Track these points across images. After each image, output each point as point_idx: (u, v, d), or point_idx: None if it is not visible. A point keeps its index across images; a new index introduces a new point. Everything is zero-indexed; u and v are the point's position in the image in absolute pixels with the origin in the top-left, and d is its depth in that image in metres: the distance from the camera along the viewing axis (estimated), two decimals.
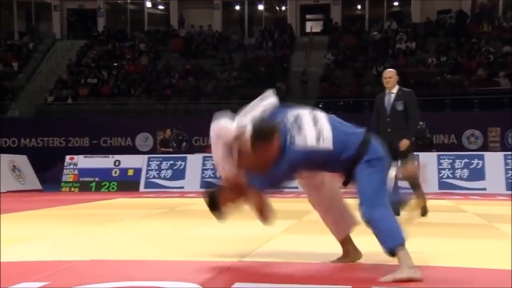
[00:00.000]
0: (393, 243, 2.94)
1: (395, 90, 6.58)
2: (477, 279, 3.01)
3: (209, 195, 3.39)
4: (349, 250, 3.47)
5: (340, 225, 3.45)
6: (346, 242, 3.48)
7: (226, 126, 3.23)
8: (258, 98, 3.39)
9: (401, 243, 2.95)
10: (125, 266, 3.41)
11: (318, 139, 3.03)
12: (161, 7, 26.45)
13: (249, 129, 3.10)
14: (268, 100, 3.34)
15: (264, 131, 3.07)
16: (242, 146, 3.15)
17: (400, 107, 6.44)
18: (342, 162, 3.09)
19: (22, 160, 13.25)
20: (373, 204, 2.99)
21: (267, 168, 3.08)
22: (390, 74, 6.63)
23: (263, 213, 3.32)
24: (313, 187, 3.40)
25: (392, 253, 2.95)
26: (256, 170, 3.14)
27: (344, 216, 3.45)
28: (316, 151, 3.03)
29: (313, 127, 3.06)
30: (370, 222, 3.00)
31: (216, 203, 3.34)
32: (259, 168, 3.12)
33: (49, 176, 14.77)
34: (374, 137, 3.22)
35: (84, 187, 12.80)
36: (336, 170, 3.16)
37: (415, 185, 6.55)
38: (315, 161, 3.08)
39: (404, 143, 6.40)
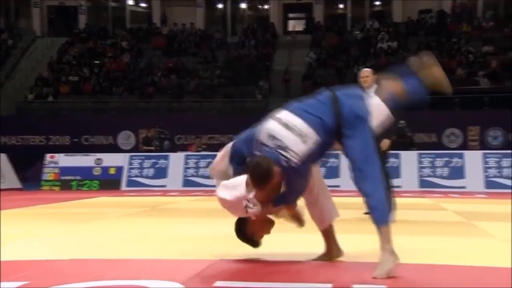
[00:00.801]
0: (380, 221, 3.03)
1: (372, 89, 6.57)
2: (456, 277, 3.05)
3: (238, 231, 3.43)
4: (331, 247, 3.48)
5: (323, 216, 3.46)
6: (328, 235, 3.48)
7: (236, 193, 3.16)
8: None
9: (387, 222, 3.04)
10: (105, 265, 3.39)
11: (304, 141, 3.01)
12: (143, 4, 26.29)
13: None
14: (225, 148, 3.35)
15: (262, 174, 3.01)
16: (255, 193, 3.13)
17: None
18: (330, 136, 3.08)
19: (1, 159, 13.08)
20: (365, 175, 3.02)
21: (281, 190, 3.13)
22: (366, 74, 6.56)
23: (299, 219, 3.38)
24: None
25: (378, 226, 3.04)
26: (274, 197, 3.16)
27: (328, 207, 3.47)
28: (311, 151, 3.04)
29: (291, 135, 3.02)
30: (361, 192, 3.08)
31: (246, 234, 3.39)
32: (275, 195, 3.15)
33: (30, 175, 14.59)
34: (344, 95, 3.16)
35: (65, 186, 12.69)
36: (333, 144, 3.17)
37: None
38: (315, 156, 3.11)
39: (385, 143, 6.41)
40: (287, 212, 3.33)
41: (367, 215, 6.15)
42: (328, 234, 3.49)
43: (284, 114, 3.12)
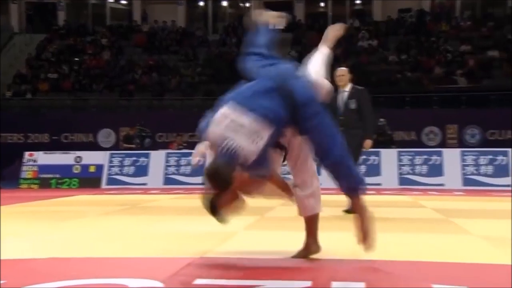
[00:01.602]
0: (357, 185, 3.16)
1: (348, 88, 6.53)
2: (434, 273, 3.08)
3: (207, 200, 3.29)
4: (310, 242, 3.48)
5: (306, 204, 3.42)
6: (311, 226, 3.44)
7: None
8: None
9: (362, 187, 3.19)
10: (84, 264, 3.37)
11: (256, 141, 2.88)
12: (123, 1, 26.09)
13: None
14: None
15: (222, 183, 2.91)
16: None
17: (353, 105, 6.39)
18: (285, 122, 2.98)
19: None
20: (333, 155, 3.07)
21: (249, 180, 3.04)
22: (342, 72, 6.56)
23: (287, 190, 3.29)
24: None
25: (354, 191, 3.16)
26: (246, 183, 3.05)
27: (315, 196, 3.42)
28: (266, 144, 2.93)
29: (243, 137, 2.86)
30: (336, 171, 3.11)
31: (215, 207, 3.17)
32: (246, 183, 3.04)
33: (8, 173, 14.42)
34: (291, 78, 3.08)
35: (44, 184, 12.56)
36: (288, 124, 3.03)
37: None
38: (272, 142, 3.00)
39: (368, 144, 6.42)
40: (272, 182, 3.23)
41: (347, 213, 6.20)
42: (311, 226, 3.46)
43: (232, 111, 2.92)
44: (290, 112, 2.96)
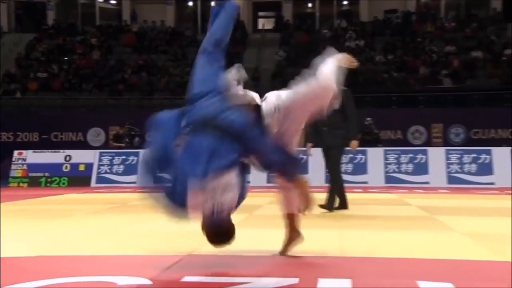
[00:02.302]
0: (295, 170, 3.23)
1: None
2: (419, 269, 3.10)
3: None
4: (292, 231, 3.46)
5: (293, 201, 3.43)
6: (292, 219, 3.46)
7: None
8: None
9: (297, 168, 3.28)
10: (74, 262, 3.35)
11: (230, 190, 2.91)
12: (113, 1, 25.95)
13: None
14: None
15: (224, 239, 3.05)
16: None
17: (336, 105, 6.27)
18: (240, 155, 3.01)
19: None
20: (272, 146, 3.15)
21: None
22: None
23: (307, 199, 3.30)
24: None
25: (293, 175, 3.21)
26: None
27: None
28: (240, 184, 2.97)
29: (229, 195, 2.90)
30: (280, 170, 3.21)
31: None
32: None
33: None
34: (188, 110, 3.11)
35: (33, 183, 12.46)
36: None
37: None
38: (242, 175, 3.06)
39: (354, 144, 6.40)
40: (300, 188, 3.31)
41: (324, 209, 6.20)
42: (292, 219, 3.47)
43: (198, 188, 2.84)
44: (238, 143, 2.98)
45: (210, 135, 2.95)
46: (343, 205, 6.61)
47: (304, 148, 6.51)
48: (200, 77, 3.28)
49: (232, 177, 2.91)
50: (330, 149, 6.27)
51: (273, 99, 3.46)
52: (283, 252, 3.48)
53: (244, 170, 3.09)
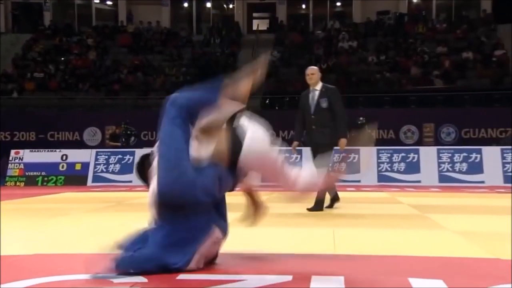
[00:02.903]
0: None
1: (318, 87, 6.38)
2: (410, 267, 3.11)
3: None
4: (255, 202, 3.38)
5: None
6: (251, 193, 3.39)
7: None
8: None
9: None
10: (70, 260, 3.34)
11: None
12: (109, 2, 25.88)
13: None
14: None
15: None
16: None
17: (324, 104, 6.24)
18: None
19: None
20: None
21: None
22: (312, 71, 6.40)
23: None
24: None
25: None
26: None
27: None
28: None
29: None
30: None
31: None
32: None
33: None
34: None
35: (30, 182, 12.42)
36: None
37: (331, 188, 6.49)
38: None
39: (343, 143, 6.32)
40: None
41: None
42: (251, 192, 3.39)
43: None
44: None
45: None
46: (335, 198, 6.62)
47: (289, 148, 6.48)
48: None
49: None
50: (319, 148, 6.23)
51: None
52: (252, 223, 3.39)
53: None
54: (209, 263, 3.01)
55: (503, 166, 11.68)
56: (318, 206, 6.26)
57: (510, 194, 9.16)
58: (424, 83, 19.01)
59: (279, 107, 19.24)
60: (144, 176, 3.22)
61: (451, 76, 19.19)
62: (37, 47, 22.18)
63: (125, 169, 12.54)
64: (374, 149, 3.27)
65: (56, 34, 23.12)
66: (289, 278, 2.78)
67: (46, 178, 12.49)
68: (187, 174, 2.83)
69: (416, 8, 23.62)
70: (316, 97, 6.33)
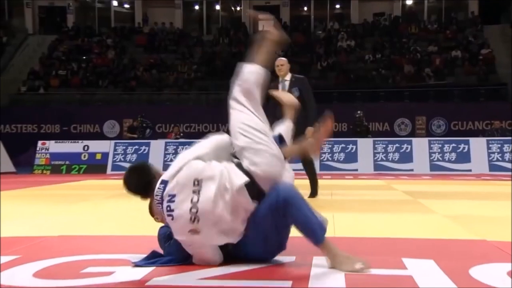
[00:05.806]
0: None
1: (288, 77, 6.10)
2: (404, 248, 3.10)
3: None
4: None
5: None
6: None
7: None
8: None
9: None
10: (91, 241, 3.35)
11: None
12: (126, 5, 25.87)
13: None
14: None
15: None
16: None
17: (295, 93, 5.79)
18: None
19: None
20: None
21: None
22: (282, 62, 6.11)
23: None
24: None
25: None
26: None
27: None
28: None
29: None
30: None
31: None
32: None
33: (23, 160, 14.32)
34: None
35: (55, 170, 12.48)
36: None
37: (308, 163, 6.09)
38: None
39: (310, 131, 5.61)
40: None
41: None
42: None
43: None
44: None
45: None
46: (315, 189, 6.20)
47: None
48: None
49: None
50: (296, 137, 6.03)
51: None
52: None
53: None
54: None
55: (489, 156, 11.63)
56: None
57: (494, 181, 9.12)
58: (417, 79, 18.93)
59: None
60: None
61: (441, 73, 19.10)
62: (61, 47, 22.23)
63: (141, 158, 12.56)
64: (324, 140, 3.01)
65: (78, 35, 23.15)
66: (292, 258, 2.77)
67: (69, 167, 12.55)
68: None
69: (409, 10, 23.47)
70: (286, 87, 6.02)
